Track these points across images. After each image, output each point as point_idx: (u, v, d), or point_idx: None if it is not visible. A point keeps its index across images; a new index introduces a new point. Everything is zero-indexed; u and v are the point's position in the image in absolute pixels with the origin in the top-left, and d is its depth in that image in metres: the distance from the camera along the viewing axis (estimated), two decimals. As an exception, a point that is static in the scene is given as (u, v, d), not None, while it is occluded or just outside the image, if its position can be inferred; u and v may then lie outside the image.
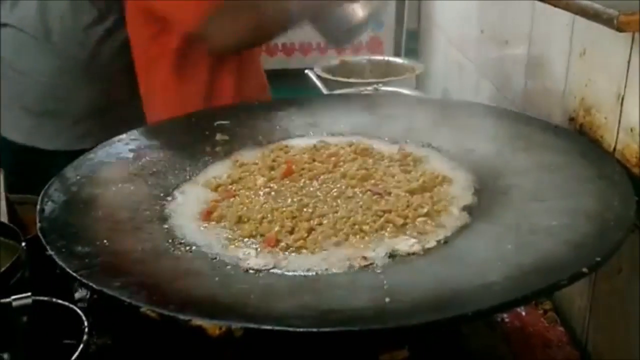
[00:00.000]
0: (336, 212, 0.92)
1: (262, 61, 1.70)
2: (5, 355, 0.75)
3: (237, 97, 1.55)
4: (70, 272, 0.74)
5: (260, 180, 1.04)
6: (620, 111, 0.90)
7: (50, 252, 0.78)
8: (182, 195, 1.02)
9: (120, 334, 0.93)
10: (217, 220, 0.93)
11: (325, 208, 0.93)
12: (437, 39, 2.33)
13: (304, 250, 0.84)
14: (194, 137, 1.20)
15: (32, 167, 1.33)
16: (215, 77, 1.51)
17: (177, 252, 0.85)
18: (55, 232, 0.85)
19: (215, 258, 0.84)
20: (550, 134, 1.05)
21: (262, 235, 0.88)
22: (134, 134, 1.18)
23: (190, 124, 1.25)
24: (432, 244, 0.82)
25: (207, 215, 0.94)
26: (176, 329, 0.73)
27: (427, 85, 2.40)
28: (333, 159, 1.09)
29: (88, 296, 1.07)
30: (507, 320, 1.05)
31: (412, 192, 0.96)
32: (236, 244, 0.87)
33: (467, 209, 0.91)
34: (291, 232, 0.88)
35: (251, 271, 0.80)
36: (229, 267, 0.82)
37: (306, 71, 1.91)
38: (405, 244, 0.82)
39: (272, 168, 1.08)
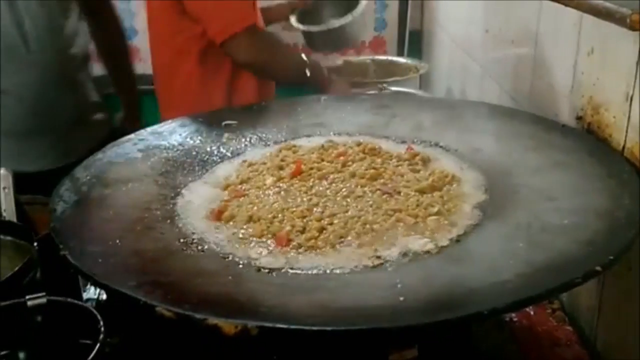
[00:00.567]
0: (346, 211, 0.92)
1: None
2: (21, 355, 0.76)
3: (258, 94, 1.59)
4: (85, 272, 0.75)
5: (270, 180, 1.04)
6: (629, 110, 0.90)
7: (63, 252, 0.79)
8: (191, 195, 1.02)
9: (130, 334, 0.93)
10: (228, 220, 0.93)
11: (336, 207, 0.94)
12: (441, 39, 2.34)
13: (316, 250, 0.84)
14: (202, 137, 1.21)
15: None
16: (238, 73, 1.55)
17: (190, 251, 0.85)
18: (68, 232, 0.85)
19: (227, 257, 0.84)
20: (558, 133, 1.06)
21: (273, 235, 0.88)
22: (142, 134, 1.19)
23: (198, 124, 1.25)
24: (445, 242, 0.82)
25: (218, 215, 0.94)
26: (189, 327, 0.73)
27: (430, 85, 2.40)
28: (342, 158, 1.09)
29: (96, 296, 1.07)
30: (515, 319, 1.05)
31: (421, 192, 0.96)
32: (247, 244, 0.87)
33: (479, 206, 0.91)
34: (302, 232, 0.88)
35: (264, 270, 0.80)
36: (241, 266, 0.82)
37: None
38: (418, 242, 0.82)
39: (281, 168, 1.08)
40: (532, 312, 1.06)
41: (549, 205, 0.87)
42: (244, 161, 1.13)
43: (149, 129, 1.22)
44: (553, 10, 1.15)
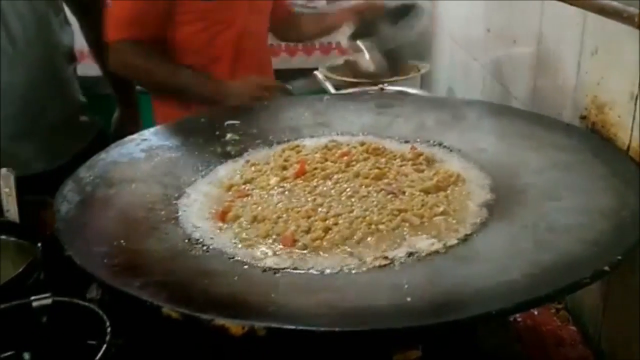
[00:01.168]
0: (351, 211, 0.92)
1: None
2: (26, 356, 0.75)
3: None
4: (90, 272, 0.74)
5: (273, 180, 1.04)
6: (635, 109, 0.90)
7: (68, 252, 0.78)
8: (195, 195, 1.02)
9: (134, 334, 0.93)
10: (232, 221, 0.93)
11: (340, 207, 0.93)
12: (442, 39, 2.34)
13: (322, 250, 0.84)
14: (205, 137, 1.20)
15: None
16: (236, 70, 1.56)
17: (195, 251, 0.85)
18: (72, 233, 0.84)
19: (233, 258, 0.84)
20: (562, 132, 1.06)
21: (278, 235, 0.88)
22: (145, 134, 1.19)
23: (201, 124, 1.25)
24: (452, 241, 0.82)
25: (223, 216, 0.94)
26: (195, 328, 0.73)
27: (432, 85, 2.40)
28: (345, 158, 1.09)
29: (99, 296, 1.07)
30: (519, 319, 1.05)
31: (426, 191, 0.96)
32: (252, 244, 0.87)
33: (485, 205, 0.91)
34: (307, 232, 0.87)
35: (269, 270, 0.80)
36: (246, 266, 0.82)
37: (315, 72, 1.92)
38: (426, 242, 0.82)
39: (284, 168, 1.08)
40: (536, 312, 1.06)
41: (554, 205, 0.87)
42: (247, 161, 1.13)
43: (151, 129, 1.22)
44: (556, 9, 1.15)
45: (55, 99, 1.55)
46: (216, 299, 0.71)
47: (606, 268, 0.68)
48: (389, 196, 0.95)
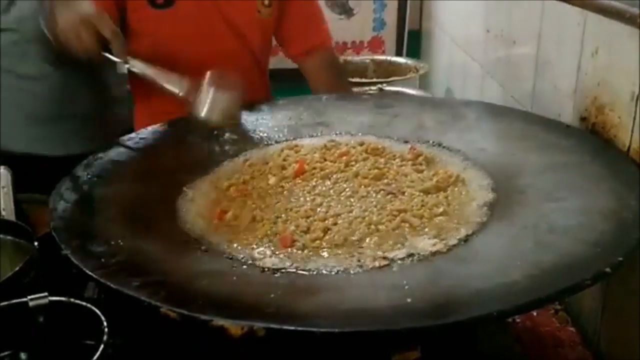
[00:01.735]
0: (351, 211, 0.91)
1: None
2: (23, 356, 0.75)
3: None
4: (87, 271, 0.74)
5: (272, 180, 1.03)
6: (636, 110, 0.90)
7: (65, 251, 0.78)
8: (193, 195, 1.01)
9: (132, 334, 0.93)
10: (231, 220, 0.93)
11: (340, 207, 0.93)
12: (440, 39, 2.34)
13: (321, 250, 0.83)
14: (203, 137, 1.19)
15: (33, 175, 1.26)
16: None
17: (193, 251, 0.84)
18: (69, 231, 0.84)
19: (232, 258, 0.83)
20: (561, 133, 1.05)
21: (276, 235, 0.88)
22: (143, 133, 1.18)
23: (199, 123, 1.24)
24: (453, 241, 0.82)
25: (221, 215, 0.93)
26: (193, 328, 0.72)
27: (430, 85, 2.40)
28: (344, 158, 1.09)
29: (96, 296, 1.06)
30: (518, 320, 1.05)
31: (426, 192, 0.95)
32: (251, 244, 0.86)
33: (487, 205, 0.90)
34: (306, 232, 0.87)
35: (268, 271, 0.80)
36: (245, 266, 0.81)
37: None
38: (427, 243, 0.81)
39: (283, 167, 1.07)
40: (535, 313, 1.06)
41: (554, 206, 0.86)
42: (246, 161, 1.12)
43: (149, 128, 1.21)
44: (556, 9, 1.15)
45: (86, 87, 1.54)
46: (215, 299, 0.71)
47: (607, 269, 0.68)
48: (389, 196, 0.95)
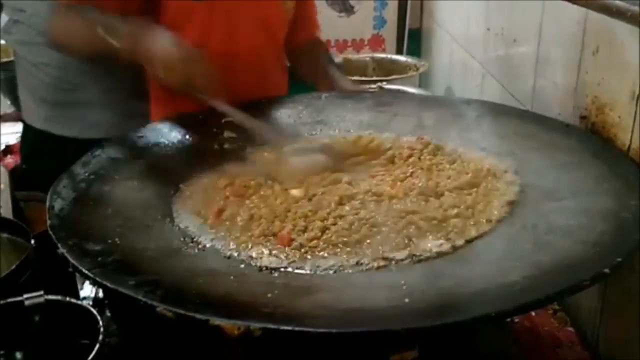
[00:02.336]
0: (357, 213, 0.89)
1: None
2: (18, 355, 0.74)
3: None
4: (84, 270, 0.73)
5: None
6: (636, 110, 0.89)
7: (61, 250, 0.77)
8: (191, 193, 1.01)
9: (128, 333, 0.92)
10: (228, 219, 0.92)
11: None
12: (440, 37, 2.33)
13: (318, 250, 0.82)
14: (202, 135, 1.19)
15: (48, 151, 1.48)
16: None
17: (190, 250, 0.84)
18: (66, 230, 0.83)
19: (229, 257, 0.83)
20: (561, 132, 1.05)
21: (274, 235, 0.87)
22: (142, 131, 1.17)
23: (198, 121, 1.23)
24: (460, 242, 0.81)
25: (218, 214, 0.92)
26: (190, 328, 0.72)
27: (430, 84, 2.40)
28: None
29: (93, 295, 1.06)
30: (516, 320, 1.04)
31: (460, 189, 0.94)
32: (248, 243, 0.86)
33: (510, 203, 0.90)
34: (304, 231, 0.86)
35: (266, 270, 0.79)
36: (243, 265, 0.81)
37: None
38: (434, 244, 0.80)
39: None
40: (533, 313, 1.06)
41: (554, 206, 0.86)
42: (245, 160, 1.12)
43: (147, 127, 1.20)
44: (557, 8, 1.14)
45: (89, 80, 1.55)
46: (212, 299, 0.70)
47: (606, 270, 0.68)
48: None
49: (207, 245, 0.85)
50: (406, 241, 0.82)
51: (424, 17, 2.63)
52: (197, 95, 1.12)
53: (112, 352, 0.73)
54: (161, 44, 1.12)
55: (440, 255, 0.79)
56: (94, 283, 0.77)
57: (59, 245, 0.78)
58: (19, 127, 1.76)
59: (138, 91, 1.48)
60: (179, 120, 1.23)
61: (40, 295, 0.74)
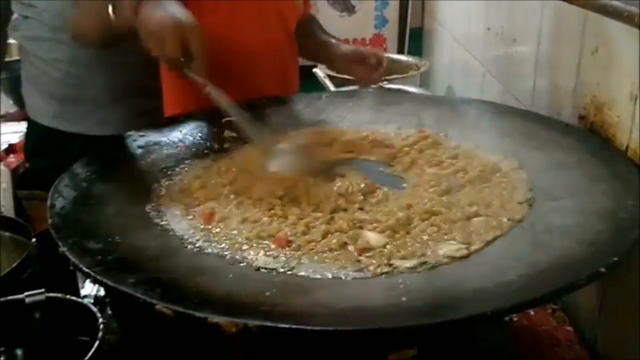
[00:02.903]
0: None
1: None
2: (19, 352, 0.75)
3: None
4: (84, 268, 0.74)
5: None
6: (635, 110, 0.89)
7: (62, 248, 0.78)
8: (191, 193, 1.01)
9: (128, 331, 0.93)
10: (219, 222, 0.91)
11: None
12: (441, 37, 2.33)
13: (316, 253, 0.82)
14: (203, 134, 1.20)
15: (55, 148, 1.41)
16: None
17: (189, 249, 0.84)
18: (67, 228, 0.84)
19: (228, 256, 0.83)
20: (560, 132, 1.05)
21: (270, 236, 0.86)
22: (143, 130, 1.18)
23: (199, 121, 1.24)
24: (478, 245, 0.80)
25: (209, 218, 0.91)
26: (189, 326, 0.73)
27: (431, 83, 2.40)
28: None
29: (94, 293, 1.07)
30: (515, 319, 1.04)
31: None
32: (245, 244, 0.85)
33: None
34: (304, 234, 0.86)
35: (264, 269, 0.80)
36: (241, 264, 0.81)
37: (314, 70, 1.91)
38: (450, 249, 0.79)
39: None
40: (532, 312, 1.06)
41: (551, 205, 0.86)
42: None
43: (149, 126, 1.21)
44: (557, 8, 1.14)
45: (97, 77, 1.54)
46: (211, 297, 0.71)
47: (602, 269, 0.68)
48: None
49: (207, 245, 0.85)
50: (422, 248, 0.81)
51: (425, 16, 2.64)
52: (186, 72, 1.07)
53: (111, 349, 0.74)
54: (158, 13, 1.05)
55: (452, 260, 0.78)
56: (94, 281, 0.77)
57: (60, 243, 0.79)
58: (21, 126, 1.76)
59: (148, 89, 1.49)
60: (180, 120, 1.24)
61: (41, 293, 0.75)
